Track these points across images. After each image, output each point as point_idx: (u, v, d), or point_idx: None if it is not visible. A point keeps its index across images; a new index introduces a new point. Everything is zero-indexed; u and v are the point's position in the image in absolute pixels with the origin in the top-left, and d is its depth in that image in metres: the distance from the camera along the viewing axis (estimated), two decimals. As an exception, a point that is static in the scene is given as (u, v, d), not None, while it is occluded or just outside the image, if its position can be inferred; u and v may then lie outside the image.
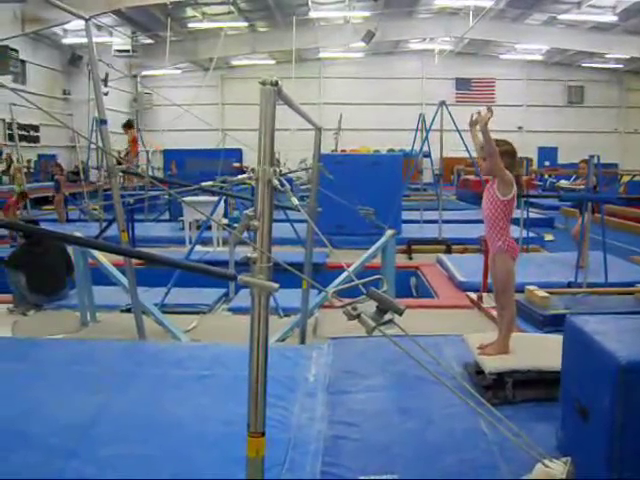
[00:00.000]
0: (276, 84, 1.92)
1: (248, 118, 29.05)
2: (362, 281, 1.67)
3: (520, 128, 31.58)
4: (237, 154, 23.16)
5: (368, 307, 1.60)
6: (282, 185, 1.84)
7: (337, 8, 23.12)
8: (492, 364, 3.81)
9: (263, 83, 1.91)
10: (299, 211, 2.07)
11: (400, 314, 1.58)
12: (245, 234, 2.08)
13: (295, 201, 1.94)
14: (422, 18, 25.54)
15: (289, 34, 22.11)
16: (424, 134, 11.91)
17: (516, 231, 10.12)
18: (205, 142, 25.68)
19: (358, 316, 1.55)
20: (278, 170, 1.87)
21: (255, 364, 1.97)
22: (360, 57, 29.88)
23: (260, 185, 1.87)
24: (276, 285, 1.81)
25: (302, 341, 4.98)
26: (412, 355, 1.86)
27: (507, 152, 4.02)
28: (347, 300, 1.70)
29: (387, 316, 1.57)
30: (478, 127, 3.93)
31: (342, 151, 21.57)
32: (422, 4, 23.31)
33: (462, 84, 31.44)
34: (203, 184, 3.63)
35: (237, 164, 21.87)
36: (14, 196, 12.88)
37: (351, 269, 5.04)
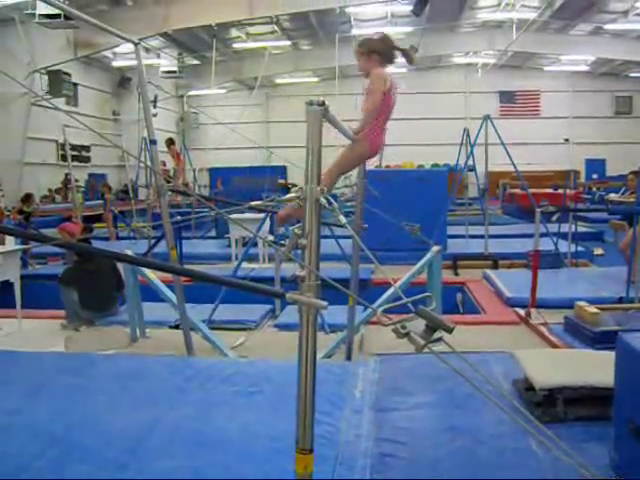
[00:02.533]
0: (323, 104, 1.95)
1: (293, 135, 29.44)
2: (410, 299, 1.68)
3: (567, 140, 31.08)
4: (282, 171, 23.39)
5: (417, 325, 1.61)
6: (329, 204, 1.87)
7: (379, 24, 23.19)
8: (543, 380, 3.74)
9: (310, 104, 1.95)
10: (346, 228, 2.09)
11: (449, 332, 1.58)
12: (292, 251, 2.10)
13: (343, 220, 1.96)
14: (465, 32, 25.44)
15: (332, 52, 22.30)
16: (469, 148, 11.84)
17: (564, 245, 9.96)
18: (250, 159, 26.05)
19: (407, 334, 1.56)
20: (325, 189, 1.90)
21: (303, 381, 1.99)
22: (403, 72, 29.84)
23: (308, 204, 1.90)
24: (324, 303, 1.83)
25: (348, 357, 4.98)
26: (460, 372, 1.85)
27: (376, 49, 3.76)
28: (394, 317, 1.71)
29: (436, 334, 1.57)
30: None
31: (386, 167, 21.57)
32: (465, 18, 23.23)
33: (506, 97, 31.14)
34: (252, 203, 3.67)
35: (282, 181, 22.07)
36: (78, 222, 13.25)
37: (398, 285, 5.03)
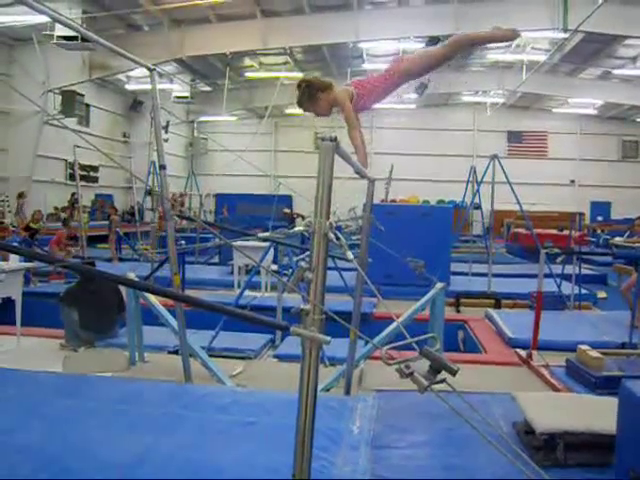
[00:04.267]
0: (335, 140, 1.97)
1: (299, 165, 29.74)
2: (415, 339, 1.67)
3: (572, 182, 31.21)
4: (287, 200, 23.48)
5: (421, 365, 1.60)
6: (337, 238, 1.87)
7: (391, 60, 23.45)
8: (544, 424, 3.70)
9: (322, 139, 1.97)
10: (353, 263, 2.10)
11: (453, 375, 1.57)
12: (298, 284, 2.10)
13: (350, 256, 1.96)
14: (475, 71, 25.73)
15: (343, 84, 22.50)
16: (475, 186, 11.89)
17: (567, 287, 9.93)
18: (257, 187, 26.22)
19: (411, 374, 1.55)
20: (334, 224, 1.91)
21: (303, 415, 1.97)
22: (412, 108, 30.16)
23: (316, 238, 1.90)
24: (328, 338, 1.82)
25: (347, 392, 4.94)
26: (460, 412, 1.84)
27: (310, 89, 3.79)
28: (396, 353, 1.70)
29: (440, 376, 1.56)
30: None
31: (392, 201, 21.64)
32: (475, 57, 23.51)
33: (514, 137, 31.37)
34: (261, 235, 3.69)
35: (287, 210, 22.14)
36: (64, 231, 13.33)
37: (400, 320, 5.01)
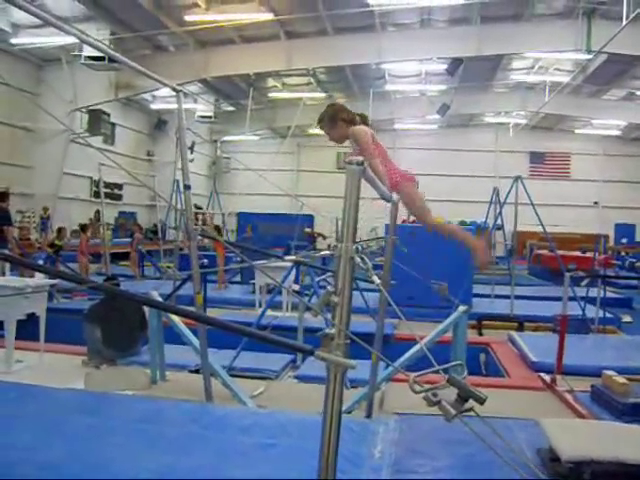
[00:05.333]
0: (362, 164, 1.97)
1: (321, 185, 29.83)
2: (442, 367, 1.66)
3: (596, 203, 30.91)
4: (309, 219, 23.53)
5: (448, 392, 1.58)
6: (364, 262, 1.87)
7: (413, 81, 23.57)
8: (570, 452, 3.63)
9: (349, 163, 1.97)
10: (378, 287, 2.09)
11: (481, 403, 1.55)
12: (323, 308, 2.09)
13: (377, 280, 1.95)
14: (498, 92, 25.72)
15: (365, 105, 22.62)
16: (497, 207, 11.82)
17: (591, 311, 9.79)
18: (278, 206, 26.32)
19: (438, 402, 1.53)
20: (360, 248, 1.90)
21: (327, 439, 1.96)
22: (434, 129, 30.19)
23: (342, 262, 1.90)
24: (353, 363, 1.81)
25: (368, 415, 4.90)
26: (482, 438, 1.81)
27: (334, 114, 3.98)
28: (414, 374, 1.68)
29: (467, 404, 1.54)
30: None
31: (413, 221, 21.56)
32: (498, 78, 23.51)
33: (536, 158, 31.22)
34: (287, 258, 3.71)
35: (308, 229, 22.17)
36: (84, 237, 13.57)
37: (423, 342, 4.96)
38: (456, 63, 18.15)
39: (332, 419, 1.94)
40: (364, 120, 4.07)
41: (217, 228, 16.63)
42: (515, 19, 16.95)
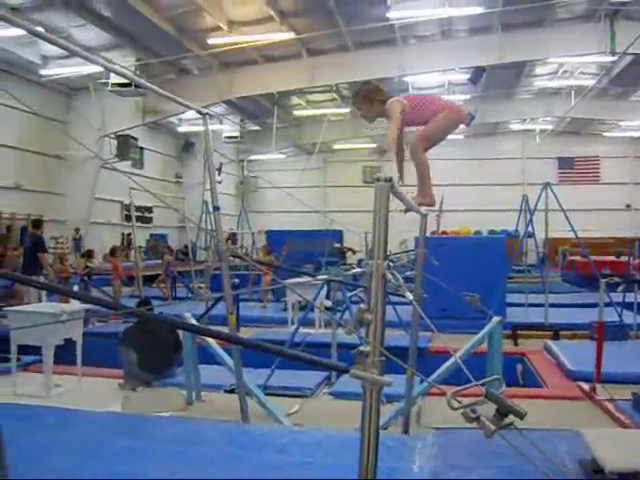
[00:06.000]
0: (390, 180, 1.98)
1: (348, 200, 29.85)
2: (480, 382, 1.65)
3: (628, 206, 30.37)
4: (338, 235, 23.52)
5: (487, 406, 1.57)
6: (396, 279, 1.87)
7: (437, 92, 23.51)
8: (614, 463, 3.56)
9: (378, 179, 1.98)
10: (412, 302, 2.08)
11: (521, 418, 1.54)
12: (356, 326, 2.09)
13: (410, 296, 1.95)
14: (522, 99, 25.50)
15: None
16: (527, 215, 11.71)
17: (629, 316, 9.61)
18: (307, 223, 26.37)
19: (477, 419, 1.52)
20: (392, 265, 1.91)
21: (365, 456, 1.96)
22: (460, 139, 30.05)
23: (374, 279, 1.90)
24: (389, 380, 1.81)
25: (405, 430, 4.87)
26: (522, 450, 1.79)
27: (369, 91, 4.01)
28: (452, 388, 1.67)
29: (507, 419, 1.53)
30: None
31: (443, 232, 21.46)
32: (522, 85, 23.34)
33: (565, 163, 30.84)
34: (320, 277, 3.72)
35: (338, 245, 22.15)
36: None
37: (458, 355, 4.92)
38: (479, 72, 18.07)
39: (370, 436, 1.94)
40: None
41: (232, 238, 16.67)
42: (536, 25, 16.82)
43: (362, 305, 1.91)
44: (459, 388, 1.63)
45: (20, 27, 3.55)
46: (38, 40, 14.44)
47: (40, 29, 3.81)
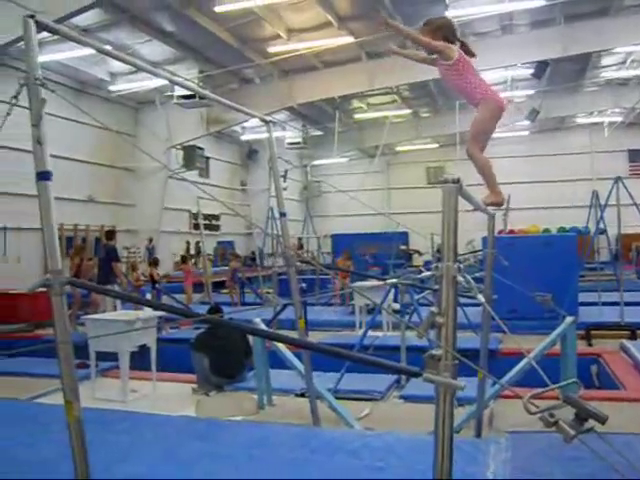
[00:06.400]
0: (458, 182, 1.97)
1: (412, 201, 29.64)
2: (557, 385, 1.62)
3: None
4: (403, 237, 23.39)
5: (566, 410, 1.54)
6: (467, 281, 1.86)
7: (500, 89, 23.07)
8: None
9: (445, 181, 1.97)
10: (483, 304, 2.06)
11: (603, 423, 1.50)
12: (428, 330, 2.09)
13: (481, 298, 1.94)
14: (589, 91, 24.74)
15: (452, 118, 22.39)
16: (598, 211, 11.36)
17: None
18: (371, 226, 26.33)
19: (556, 423, 1.49)
20: (462, 267, 1.89)
21: (440, 461, 1.95)
22: (525, 135, 29.40)
23: (444, 282, 1.89)
24: (462, 384, 1.80)
25: (478, 434, 4.79)
26: (602, 456, 1.74)
27: (442, 26, 3.75)
28: (525, 391, 1.64)
29: (587, 424, 1.49)
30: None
31: (510, 231, 21.05)
32: (588, 77, 22.64)
33: (636, 156, 29.68)
34: (389, 281, 3.73)
35: (403, 247, 22.04)
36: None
37: (531, 356, 4.82)
38: (542, 66, 17.64)
39: (444, 440, 1.94)
40: (467, 50, 3.83)
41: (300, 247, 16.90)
42: (601, 14, 16.29)
43: (433, 308, 1.90)
44: (536, 391, 1.60)
45: (91, 47, 3.69)
46: (106, 58, 15.02)
47: (108, 47, 3.96)
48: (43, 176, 2.63)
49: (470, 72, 3.71)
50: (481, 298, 1.96)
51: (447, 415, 1.90)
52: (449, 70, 3.70)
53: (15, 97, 2.73)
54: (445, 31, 3.73)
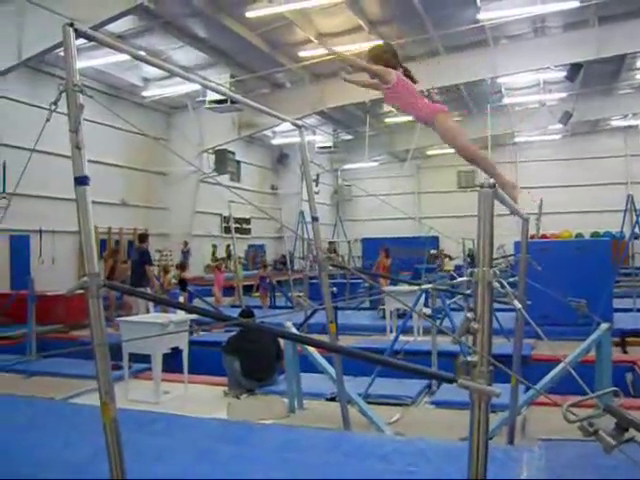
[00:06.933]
0: (494, 186, 1.96)
1: (443, 205, 29.47)
2: (597, 394, 1.60)
3: None
4: (433, 241, 23.27)
5: (605, 419, 1.52)
6: (502, 287, 1.85)
7: (532, 92, 22.87)
8: None
9: (481, 186, 1.96)
10: (519, 310, 2.05)
11: (645, 432, 1.48)
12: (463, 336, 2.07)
13: (518, 305, 1.92)
14: (623, 94, 24.32)
15: (483, 121, 22.23)
16: (633, 215, 11.17)
17: None
18: (401, 230, 26.26)
19: (595, 432, 1.47)
20: (498, 272, 1.88)
21: (474, 468, 1.93)
22: (557, 139, 29.02)
23: (480, 287, 1.88)
24: (498, 391, 1.79)
25: (510, 441, 4.74)
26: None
27: (383, 52, 3.91)
28: (559, 398, 1.62)
29: (627, 434, 1.47)
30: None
31: (542, 236, 20.79)
32: (622, 79, 22.26)
33: (673, 158, 29.09)
34: (425, 286, 3.72)
35: (434, 251, 21.90)
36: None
37: (567, 361, 4.75)
38: (576, 69, 17.39)
39: (479, 448, 1.92)
40: (409, 75, 3.94)
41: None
42: (636, 15, 15.96)
43: (469, 314, 1.89)
44: (575, 400, 1.58)
45: (127, 53, 3.75)
46: (139, 64, 15.24)
47: (142, 53, 4.02)
48: (81, 181, 2.67)
49: (411, 94, 3.85)
50: (518, 304, 1.94)
51: (482, 422, 1.89)
52: (389, 92, 3.84)
53: (55, 103, 2.79)
54: (386, 57, 3.88)
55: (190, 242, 20.49)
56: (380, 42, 4.19)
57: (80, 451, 4.28)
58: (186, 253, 19.87)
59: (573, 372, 1.76)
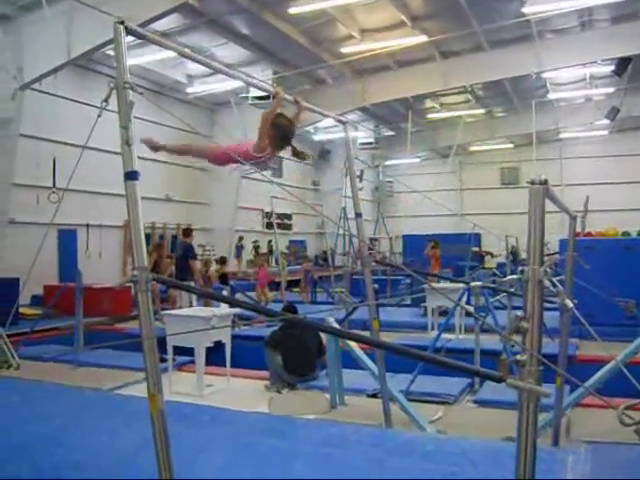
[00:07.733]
0: (545, 183, 1.93)
1: (485, 202, 29.09)
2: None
3: None
4: (475, 238, 23.01)
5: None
6: (554, 285, 1.82)
7: (577, 87, 22.37)
8: None
9: (532, 183, 1.93)
10: (570, 310, 2.01)
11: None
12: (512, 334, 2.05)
13: (570, 304, 1.89)
14: (674, 87, 23.63)
15: (527, 117, 21.88)
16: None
17: None
18: (443, 226, 26.02)
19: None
20: (549, 270, 1.85)
21: (522, 470, 1.92)
22: (604, 135, 28.34)
23: (530, 286, 1.86)
24: (548, 391, 1.77)
25: (555, 443, 4.66)
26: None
27: (277, 127, 4.27)
28: (623, 404, 1.59)
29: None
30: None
31: (588, 234, 20.34)
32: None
33: None
34: (474, 284, 3.69)
35: (476, 248, 21.66)
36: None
37: (618, 360, 4.65)
38: (624, 63, 16.94)
39: (527, 449, 1.90)
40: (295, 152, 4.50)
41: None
42: (690, 8, 15.55)
43: (518, 312, 1.87)
44: (630, 402, 1.55)
45: (175, 51, 3.81)
46: (184, 61, 15.43)
47: (187, 50, 4.09)
48: (131, 176, 2.72)
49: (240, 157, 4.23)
50: (569, 304, 1.91)
51: (531, 422, 1.87)
52: (242, 153, 4.26)
53: (105, 100, 2.84)
54: (275, 134, 4.27)
55: (232, 238, 20.70)
56: (287, 122, 4.42)
57: (128, 440, 4.36)
58: (240, 248, 20.20)
59: (627, 372, 1.72)
